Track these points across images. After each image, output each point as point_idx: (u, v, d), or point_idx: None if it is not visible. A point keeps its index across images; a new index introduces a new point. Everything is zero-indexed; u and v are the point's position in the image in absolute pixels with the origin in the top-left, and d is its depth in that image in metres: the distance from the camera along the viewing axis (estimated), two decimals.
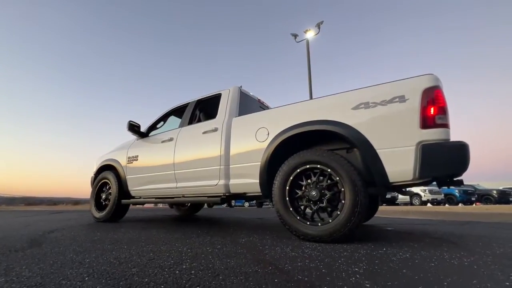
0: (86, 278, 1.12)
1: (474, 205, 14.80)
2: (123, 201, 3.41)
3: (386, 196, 13.85)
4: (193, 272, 1.20)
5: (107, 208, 3.51)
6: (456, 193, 16.14)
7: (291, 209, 2.05)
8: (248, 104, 3.16)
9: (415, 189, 16.24)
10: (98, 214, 3.62)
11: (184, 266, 1.29)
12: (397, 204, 16.62)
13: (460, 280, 1.08)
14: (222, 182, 2.57)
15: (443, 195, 16.08)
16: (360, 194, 1.79)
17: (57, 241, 2.05)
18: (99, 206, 3.72)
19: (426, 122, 1.72)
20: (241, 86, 3.22)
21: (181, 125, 3.25)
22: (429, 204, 15.44)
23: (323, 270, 1.21)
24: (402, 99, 1.82)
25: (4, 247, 1.83)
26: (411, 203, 16.11)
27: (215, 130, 2.73)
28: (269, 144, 2.29)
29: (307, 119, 2.15)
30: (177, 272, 1.20)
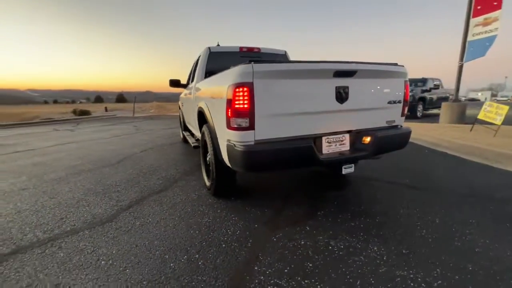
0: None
1: None
2: (183, 132, 5.20)
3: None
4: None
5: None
6: None
7: (203, 166, 2.83)
8: (223, 61, 3.42)
9: None
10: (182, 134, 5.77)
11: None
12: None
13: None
14: None
15: None
16: (213, 173, 2.30)
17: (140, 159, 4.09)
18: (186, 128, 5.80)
19: (228, 124, 1.74)
20: (217, 44, 3.42)
21: (191, 81, 4.12)
22: None
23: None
24: (223, 95, 1.81)
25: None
26: None
27: (190, 93, 3.46)
28: None
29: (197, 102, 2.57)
30: None
